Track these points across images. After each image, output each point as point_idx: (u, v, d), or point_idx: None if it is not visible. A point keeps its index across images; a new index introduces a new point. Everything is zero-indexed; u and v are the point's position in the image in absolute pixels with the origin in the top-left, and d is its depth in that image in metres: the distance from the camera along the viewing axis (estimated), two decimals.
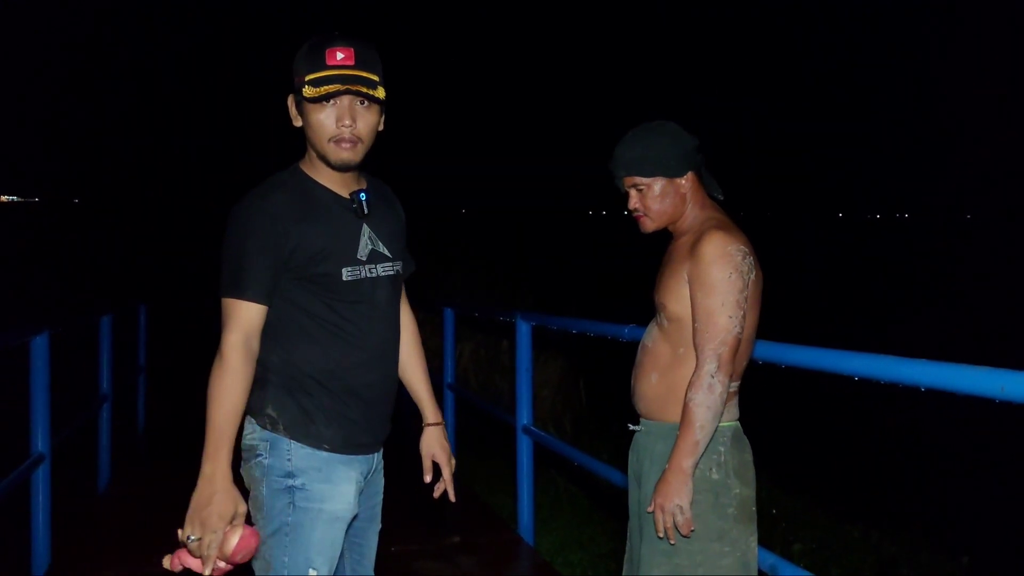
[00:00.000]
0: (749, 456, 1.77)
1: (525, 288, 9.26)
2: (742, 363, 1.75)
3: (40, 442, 3.07)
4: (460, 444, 4.79)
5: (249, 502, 1.53)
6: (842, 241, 61.82)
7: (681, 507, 1.62)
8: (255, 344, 1.49)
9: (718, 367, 1.63)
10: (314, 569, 1.52)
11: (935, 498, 6.19)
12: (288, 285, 1.52)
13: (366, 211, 1.58)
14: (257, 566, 1.54)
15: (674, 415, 1.71)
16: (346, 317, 1.55)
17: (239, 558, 1.43)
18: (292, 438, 1.54)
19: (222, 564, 1.42)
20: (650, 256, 1.87)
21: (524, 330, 3.54)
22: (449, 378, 4.77)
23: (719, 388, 1.63)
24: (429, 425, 1.78)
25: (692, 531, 1.65)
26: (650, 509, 1.67)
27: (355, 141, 1.51)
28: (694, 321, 1.68)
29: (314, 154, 1.56)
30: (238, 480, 1.48)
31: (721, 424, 1.71)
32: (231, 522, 1.42)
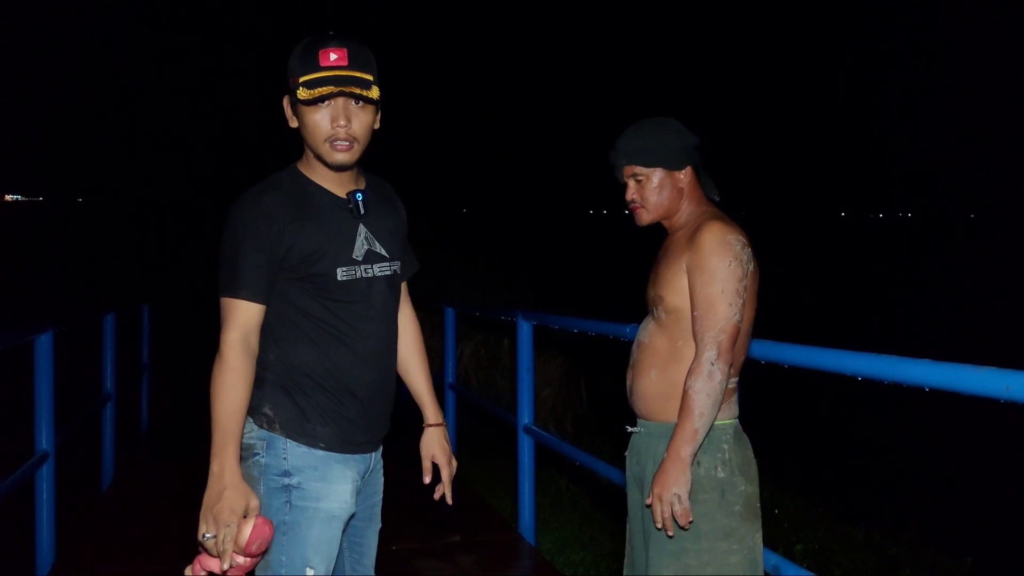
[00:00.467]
0: (751, 453, 1.76)
1: (526, 287, 9.27)
2: (740, 357, 1.74)
3: (44, 440, 3.08)
4: (461, 444, 4.80)
5: None
6: (842, 241, 61.71)
7: (679, 496, 1.61)
8: (254, 342, 1.50)
9: (718, 355, 1.63)
10: (311, 568, 1.52)
11: (938, 498, 6.18)
12: (284, 284, 1.53)
13: (362, 211, 1.58)
14: (256, 566, 1.55)
15: (675, 414, 1.70)
16: (341, 317, 1.56)
17: (255, 548, 1.44)
18: (288, 437, 1.54)
19: (240, 559, 1.43)
20: (651, 255, 1.87)
21: (525, 329, 3.54)
22: (450, 378, 4.78)
23: (719, 376, 1.62)
24: (429, 426, 1.78)
25: (690, 522, 1.64)
26: (649, 501, 1.66)
27: (351, 141, 1.52)
28: (693, 309, 1.67)
29: (311, 154, 1.56)
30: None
31: (723, 422, 1.71)
32: (243, 516, 1.43)
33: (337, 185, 1.59)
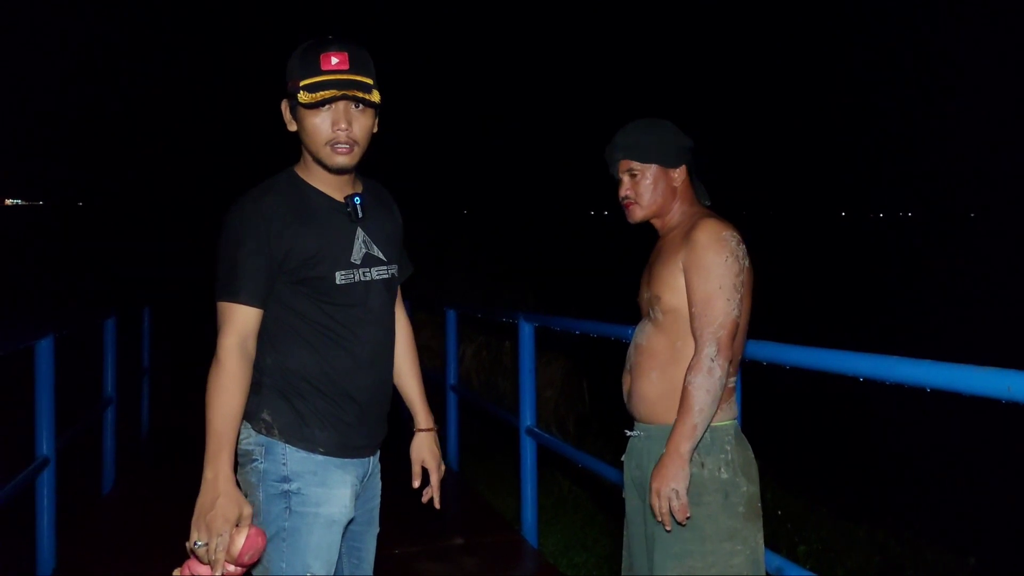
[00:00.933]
0: (751, 453, 1.76)
1: (527, 288, 9.26)
2: (737, 354, 1.74)
3: (45, 445, 3.08)
4: (463, 445, 4.79)
5: None
6: (843, 241, 61.71)
7: (677, 491, 1.61)
8: (251, 346, 1.49)
9: (718, 351, 1.63)
10: (312, 573, 1.51)
11: (941, 498, 6.18)
12: (282, 288, 1.53)
13: (360, 215, 1.58)
14: (256, 571, 1.54)
15: (675, 415, 1.69)
16: (340, 320, 1.55)
17: (247, 559, 1.43)
18: (287, 442, 1.54)
19: (231, 568, 1.42)
20: (647, 256, 1.87)
21: (527, 331, 3.53)
22: (452, 379, 4.77)
23: (718, 372, 1.62)
24: (420, 431, 1.79)
25: (688, 519, 1.64)
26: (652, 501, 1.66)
27: (351, 145, 1.52)
28: (691, 307, 1.67)
29: (309, 158, 1.56)
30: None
31: (722, 423, 1.71)
32: (236, 524, 1.42)
33: (335, 189, 1.58)
